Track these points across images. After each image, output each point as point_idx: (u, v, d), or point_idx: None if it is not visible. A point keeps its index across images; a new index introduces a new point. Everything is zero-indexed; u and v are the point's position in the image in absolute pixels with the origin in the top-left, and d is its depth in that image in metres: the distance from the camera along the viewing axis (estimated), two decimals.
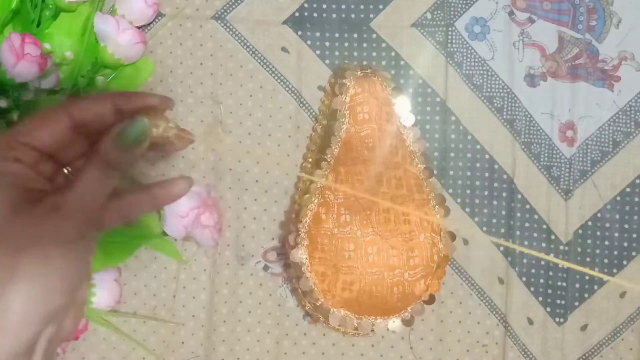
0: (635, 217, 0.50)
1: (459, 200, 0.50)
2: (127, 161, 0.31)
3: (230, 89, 0.49)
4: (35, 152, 0.32)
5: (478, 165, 0.50)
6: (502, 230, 0.50)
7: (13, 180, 0.31)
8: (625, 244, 0.50)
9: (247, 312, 0.49)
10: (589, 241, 0.50)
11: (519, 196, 0.50)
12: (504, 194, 0.50)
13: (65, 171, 0.33)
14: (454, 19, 0.49)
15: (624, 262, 0.50)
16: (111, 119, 0.32)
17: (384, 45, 0.49)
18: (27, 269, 0.28)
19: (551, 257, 0.50)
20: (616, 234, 0.50)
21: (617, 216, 0.50)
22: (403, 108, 0.48)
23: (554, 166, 0.50)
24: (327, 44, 0.49)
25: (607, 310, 0.50)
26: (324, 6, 0.49)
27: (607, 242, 0.50)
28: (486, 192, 0.50)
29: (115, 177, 0.31)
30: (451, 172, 0.50)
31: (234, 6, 0.49)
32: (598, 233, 0.50)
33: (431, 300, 0.46)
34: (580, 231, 0.50)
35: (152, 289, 0.49)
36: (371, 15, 0.49)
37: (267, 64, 0.49)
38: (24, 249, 0.29)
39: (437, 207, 0.47)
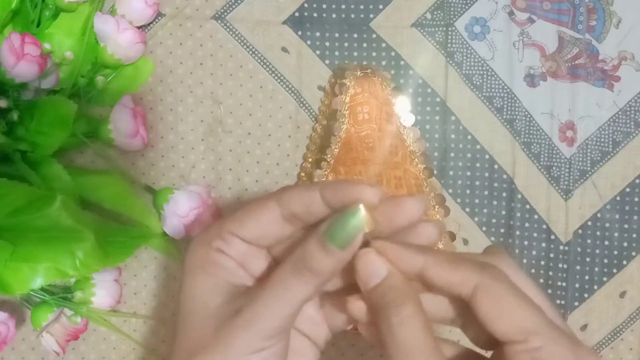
0: (635, 217, 0.50)
1: (459, 200, 0.50)
2: (328, 266, 0.27)
3: (230, 89, 0.49)
4: (243, 244, 0.29)
5: (478, 165, 0.50)
6: (502, 230, 0.50)
7: (219, 273, 0.29)
8: (625, 244, 0.50)
9: None
10: (588, 241, 0.50)
11: (519, 196, 0.50)
12: (504, 194, 0.50)
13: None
14: (454, 19, 0.49)
15: (624, 262, 0.50)
16: (321, 212, 0.28)
17: (384, 45, 0.49)
18: None
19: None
20: (616, 234, 0.50)
21: (617, 216, 0.50)
22: (403, 108, 0.48)
23: (554, 166, 0.50)
24: (327, 44, 0.49)
25: (607, 310, 0.50)
26: (324, 6, 0.49)
27: (607, 242, 0.50)
28: (486, 192, 0.50)
29: (310, 286, 0.27)
30: (451, 172, 0.50)
31: (234, 6, 0.49)
32: (598, 233, 0.50)
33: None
34: (580, 231, 0.50)
35: (152, 289, 0.49)
36: (371, 15, 0.49)
37: (267, 64, 0.49)
38: (193, 356, 0.28)
39: (437, 207, 0.47)
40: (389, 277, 0.28)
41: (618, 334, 0.50)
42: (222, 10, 0.49)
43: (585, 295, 0.50)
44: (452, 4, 0.49)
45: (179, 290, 0.30)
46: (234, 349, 0.28)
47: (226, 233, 0.29)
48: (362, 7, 0.49)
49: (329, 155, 0.47)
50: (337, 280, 0.31)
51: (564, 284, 0.50)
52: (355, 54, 0.49)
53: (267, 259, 0.31)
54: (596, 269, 0.50)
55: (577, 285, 0.50)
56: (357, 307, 0.29)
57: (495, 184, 0.50)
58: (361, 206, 0.26)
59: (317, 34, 0.49)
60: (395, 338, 0.27)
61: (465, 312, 0.30)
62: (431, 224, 0.30)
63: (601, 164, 0.50)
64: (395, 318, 0.27)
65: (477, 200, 0.50)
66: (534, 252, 0.50)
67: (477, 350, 0.31)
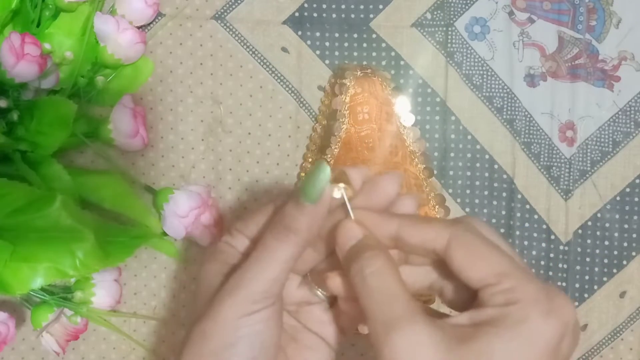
0: (635, 217, 0.50)
1: (459, 200, 0.50)
2: (304, 223, 0.29)
3: (230, 89, 0.49)
4: (246, 239, 0.32)
5: (478, 165, 0.50)
6: (502, 230, 0.50)
7: (223, 258, 0.32)
8: (625, 244, 0.50)
9: None
10: (588, 241, 0.50)
11: (519, 196, 0.50)
12: (504, 194, 0.50)
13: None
14: (454, 19, 0.49)
15: (624, 262, 0.50)
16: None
17: (384, 45, 0.49)
18: (188, 349, 0.30)
19: None
20: (616, 234, 0.50)
21: (617, 216, 0.50)
22: (403, 108, 0.48)
23: (554, 166, 0.50)
24: (327, 44, 0.49)
25: (607, 310, 0.50)
26: (324, 6, 0.49)
27: (607, 242, 0.50)
28: (486, 192, 0.50)
29: (292, 245, 0.30)
30: (451, 172, 0.50)
31: (234, 6, 0.49)
32: (598, 233, 0.50)
33: (431, 300, 0.46)
34: (580, 231, 0.50)
35: (152, 289, 0.49)
36: (371, 15, 0.49)
37: (267, 64, 0.49)
38: (190, 327, 0.31)
39: (437, 207, 0.47)
40: (364, 239, 0.30)
41: (618, 334, 0.50)
42: (222, 10, 0.49)
43: (585, 295, 0.50)
44: (452, 4, 0.49)
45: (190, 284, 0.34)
46: (223, 314, 0.30)
47: (233, 230, 0.33)
48: (362, 7, 0.49)
49: (329, 155, 0.47)
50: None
51: (564, 284, 0.50)
52: (355, 54, 0.49)
53: None
54: (596, 269, 0.50)
55: (577, 285, 0.50)
56: (336, 281, 0.31)
57: (495, 184, 0.50)
58: (325, 162, 0.28)
59: (317, 34, 0.49)
60: (368, 287, 0.28)
61: (439, 276, 0.32)
62: (409, 197, 0.32)
63: (601, 164, 0.50)
64: (367, 269, 0.29)
65: (477, 200, 0.50)
66: (534, 252, 0.50)
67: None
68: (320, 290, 0.33)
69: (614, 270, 0.50)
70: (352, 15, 0.49)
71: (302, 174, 0.49)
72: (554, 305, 0.28)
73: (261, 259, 0.30)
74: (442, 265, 0.31)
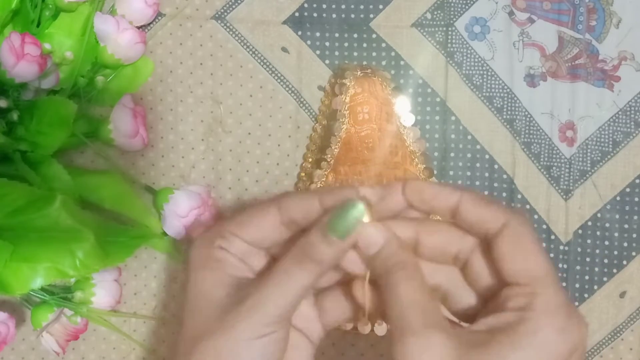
0: (635, 217, 0.50)
1: None
2: (329, 256, 0.29)
3: (230, 89, 0.49)
4: (243, 244, 0.32)
5: (478, 165, 0.50)
6: None
7: (221, 267, 0.31)
8: (625, 244, 0.50)
9: None
10: (589, 241, 0.50)
11: (519, 196, 0.50)
12: (504, 194, 0.50)
13: None
14: (454, 19, 0.49)
15: (624, 262, 0.50)
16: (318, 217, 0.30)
17: (384, 45, 0.49)
18: None
19: None
20: (616, 234, 0.50)
21: (617, 216, 0.50)
22: (403, 108, 0.48)
23: (554, 166, 0.50)
24: (327, 44, 0.49)
25: (607, 310, 0.50)
26: (324, 6, 0.49)
27: (607, 242, 0.50)
28: (486, 192, 0.50)
29: (312, 274, 0.30)
30: (451, 172, 0.50)
31: (234, 6, 0.49)
32: (598, 233, 0.50)
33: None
34: (580, 231, 0.50)
35: (152, 289, 0.49)
36: (371, 15, 0.49)
37: (267, 64, 0.49)
38: (198, 342, 0.30)
39: None
40: (387, 245, 0.30)
41: (618, 334, 0.50)
42: (222, 10, 0.49)
43: (585, 295, 0.50)
44: (452, 4, 0.49)
45: (186, 286, 0.32)
46: (237, 334, 0.29)
47: (227, 233, 0.32)
48: (362, 7, 0.49)
49: (329, 155, 0.47)
50: (332, 274, 0.32)
51: (564, 284, 0.50)
52: (355, 54, 0.49)
53: (266, 257, 0.33)
54: (596, 269, 0.50)
55: (577, 285, 0.50)
56: (360, 289, 0.32)
57: (495, 184, 0.50)
58: (357, 200, 0.28)
59: (317, 34, 0.49)
60: (395, 296, 0.29)
61: (451, 280, 0.32)
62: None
63: (601, 164, 0.50)
64: (394, 278, 0.29)
65: None
66: None
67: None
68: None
69: (614, 270, 0.50)
70: (352, 15, 0.49)
71: (302, 174, 0.49)
72: (570, 323, 0.28)
73: (281, 283, 0.30)
74: (457, 269, 0.31)
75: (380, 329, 0.46)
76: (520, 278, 0.29)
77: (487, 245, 0.30)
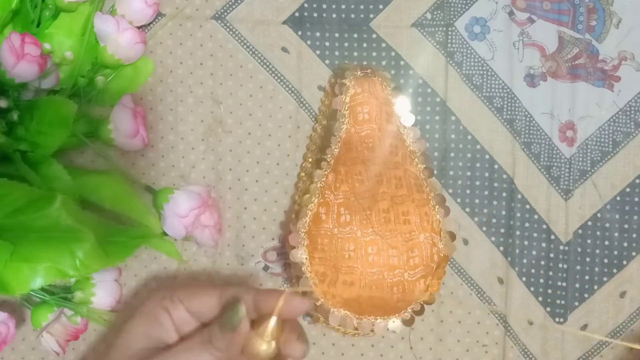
0: (635, 217, 0.50)
1: (459, 200, 0.50)
2: (222, 344, 0.35)
3: (230, 89, 0.49)
4: (185, 312, 0.38)
5: (478, 165, 0.50)
6: (502, 230, 0.50)
7: (155, 327, 0.37)
8: (625, 244, 0.50)
9: None
10: (589, 241, 0.50)
11: (519, 196, 0.50)
12: (504, 194, 0.50)
13: None
14: (454, 19, 0.49)
15: (624, 262, 0.50)
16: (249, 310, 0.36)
17: (384, 45, 0.49)
18: None
19: None
20: (616, 234, 0.50)
21: (617, 216, 0.50)
22: (403, 108, 0.48)
23: (554, 166, 0.50)
24: (327, 44, 0.49)
25: (607, 310, 0.50)
26: (324, 6, 0.49)
27: (607, 242, 0.50)
28: (486, 192, 0.50)
29: (211, 356, 0.35)
30: (451, 172, 0.50)
31: (234, 6, 0.49)
32: (598, 233, 0.50)
33: (431, 300, 0.46)
34: (580, 231, 0.50)
35: (152, 289, 0.49)
36: (371, 15, 0.49)
37: (267, 64, 0.49)
38: None
39: (437, 207, 0.47)
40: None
41: (618, 334, 0.50)
42: (222, 10, 0.49)
43: (585, 295, 0.50)
44: (452, 4, 0.49)
45: (129, 321, 0.38)
46: None
47: (176, 299, 0.38)
48: (362, 7, 0.49)
49: (329, 155, 0.47)
50: None
51: (564, 284, 0.50)
52: (355, 54, 0.49)
53: (195, 326, 0.39)
54: (596, 269, 0.50)
55: (577, 285, 0.50)
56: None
57: (495, 184, 0.50)
58: (240, 305, 0.35)
59: (317, 34, 0.49)
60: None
61: None
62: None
63: (601, 164, 0.50)
64: None
65: (477, 200, 0.50)
66: (534, 252, 0.50)
67: None
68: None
69: (614, 270, 0.50)
70: (352, 15, 0.49)
71: (302, 174, 0.49)
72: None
73: (179, 357, 0.36)
74: None
75: (381, 328, 0.46)
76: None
77: None
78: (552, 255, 0.50)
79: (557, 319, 0.50)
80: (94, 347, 0.49)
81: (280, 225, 0.50)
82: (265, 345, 0.35)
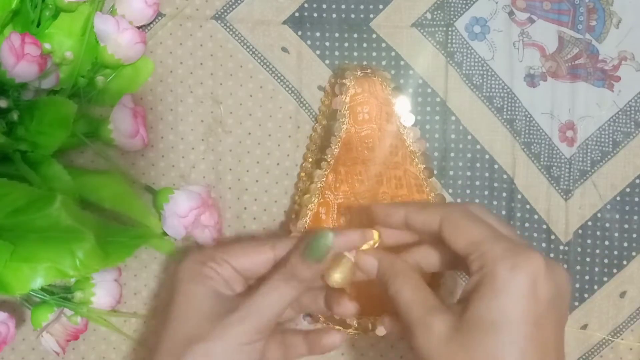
0: (635, 217, 0.50)
1: (459, 200, 0.50)
2: (307, 275, 0.35)
3: (230, 89, 0.49)
4: (232, 270, 0.38)
5: (478, 165, 0.50)
6: None
7: (210, 283, 0.37)
8: (625, 244, 0.50)
9: None
10: (589, 241, 0.50)
11: (519, 196, 0.50)
12: (504, 194, 0.50)
13: None
14: (454, 19, 0.49)
15: (624, 262, 0.50)
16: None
17: (384, 45, 0.49)
18: None
19: None
20: (616, 234, 0.50)
21: (617, 216, 0.50)
22: (403, 108, 0.48)
23: (554, 166, 0.50)
24: (327, 44, 0.49)
25: (607, 310, 0.50)
26: (324, 6, 0.49)
27: (607, 242, 0.50)
28: (486, 192, 0.50)
29: (295, 289, 0.35)
30: (451, 172, 0.50)
31: (234, 6, 0.49)
32: (598, 233, 0.50)
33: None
34: (580, 231, 0.50)
35: (152, 289, 0.49)
36: (371, 15, 0.49)
37: (267, 64, 0.49)
38: (189, 345, 0.35)
39: None
40: (381, 265, 0.38)
41: (618, 334, 0.50)
42: (222, 10, 0.49)
43: (585, 295, 0.50)
44: (452, 4, 0.49)
45: (173, 294, 0.38)
46: (230, 339, 0.35)
47: (220, 259, 0.38)
48: (362, 7, 0.49)
49: (329, 155, 0.47)
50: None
51: None
52: (355, 54, 0.49)
53: (244, 286, 0.39)
54: (596, 269, 0.50)
55: (577, 285, 0.50)
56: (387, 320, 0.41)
57: (495, 184, 0.50)
58: (329, 232, 0.34)
59: (317, 34, 0.49)
60: (397, 301, 0.36)
61: (447, 257, 0.39)
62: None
63: (601, 164, 0.50)
64: (393, 286, 0.36)
65: (477, 200, 0.50)
66: None
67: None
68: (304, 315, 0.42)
69: (614, 270, 0.50)
70: (352, 15, 0.49)
71: (302, 174, 0.49)
72: (518, 260, 0.33)
73: (270, 297, 0.35)
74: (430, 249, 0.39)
75: (381, 329, 0.46)
76: (468, 250, 0.34)
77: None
78: (552, 255, 0.50)
79: None
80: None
81: (280, 225, 0.50)
82: (338, 274, 0.36)
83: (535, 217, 0.50)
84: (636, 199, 0.50)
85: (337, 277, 0.36)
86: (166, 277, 0.49)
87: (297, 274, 0.35)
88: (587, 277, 0.50)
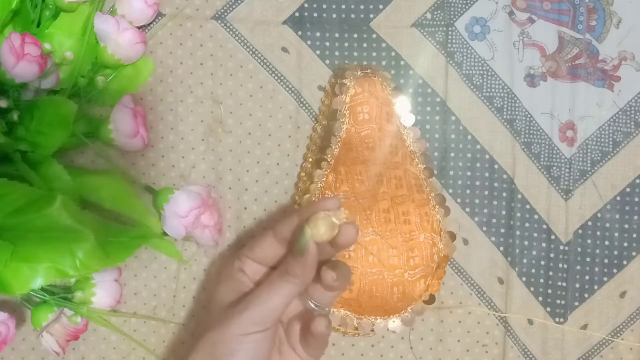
0: (635, 217, 0.50)
1: (459, 200, 0.50)
2: (297, 270, 0.37)
3: (230, 89, 0.49)
4: (255, 263, 0.41)
5: (478, 165, 0.50)
6: (502, 230, 0.50)
7: (236, 286, 0.41)
8: (625, 244, 0.50)
9: None
10: (589, 241, 0.50)
11: (519, 196, 0.50)
12: (504, 194, 0.50)
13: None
14: (454, 19, 0.49)
15: (624, 262, 0.50)
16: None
17: (384, 45, 0.49)
18: (197, 352, 0.39)
19: None
20: (616, 234, 0.50)
21: (617, 216, 0.50)
22: (403, 108, 0.48)
23: (554, 166, 0.50)
24: (327, 44, 0.49)
25: (607, 310, 0.50)
26: (324, 6, 0.49)
27: (607, 242, 0.50)
28: (486, 192, 0.50)
29: (289, 283, 0.38)
30: (451, 172, 0.50)
31: (234, 6, 0.49)
32: (598, 233, 0.50)
33: (431, 300, 0.46)
34: (580, 231, 0.50)
35: (152, 289, 0.49)
36: (371, 15, 0.49)
37: (267, 64, 0.49)
38: (202, 335, 0.39)
39: (437, 207, 0.47)
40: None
41: (618, 334, 0.50)
42: (222, 10, 0.49)
43: (585, 295, 0.50)
44: (452, 4, 0.49)
45: (212, 293, 0.43)
46: (230, 329, 0.38)
47: (243, 255, 0.41)
48: (362, 7, 0.49)
49: (329, 155, 0.47)
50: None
51: (564, 284, 0.50)
52: (355, 54, 0.49)
53: (268, 269, 0.42)
54: (596, 269, 0.50)
55: (577, 285, 0.50)
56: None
57: (495, 184, 0.50)
58: (305, 228, 0.36)
59: (317, 34, 0.49)
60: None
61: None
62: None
63: (601, 164, 0.50)
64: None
65: (477, 200, 0.50)
66: (534, 252, 0.50)
67: None
68: (311, 300, 0.41)
69: (614, 270, 0.50)
70: (352, 15, 0.49)
71: (302, 174, 0.49)
72: None
73: (266, 291, 0.38)
74: None
75: (381, 328, 0.46)
76: None
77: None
78: (552, 255, 0.50)
79: (557, 319, 0.50)
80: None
81: None
82: (320, 227, 0.37)
83: (535, 217, 0.50)
84: (636, 199, 0.50)
85: (321, 229, 0.37)
86: (166, 276, 0.49)
87: (289, 269, 0.38)
88: (587, 277, 0.50)
